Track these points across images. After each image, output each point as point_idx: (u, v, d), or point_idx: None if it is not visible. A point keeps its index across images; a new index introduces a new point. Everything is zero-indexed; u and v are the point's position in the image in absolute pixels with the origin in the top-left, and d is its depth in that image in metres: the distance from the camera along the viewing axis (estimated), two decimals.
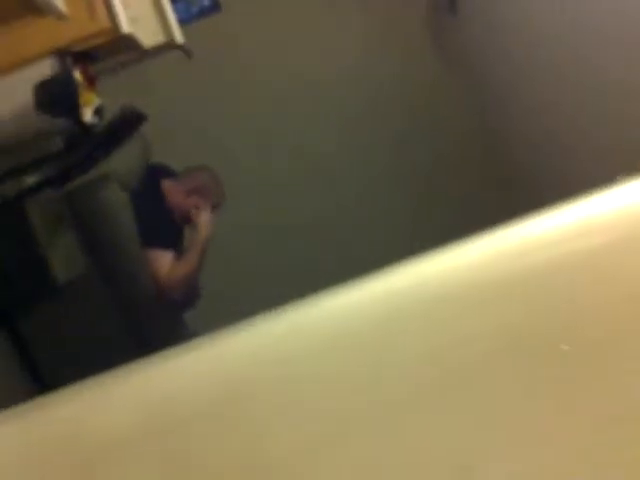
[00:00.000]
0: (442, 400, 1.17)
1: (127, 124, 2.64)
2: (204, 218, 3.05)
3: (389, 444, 1.16)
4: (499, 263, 1.26)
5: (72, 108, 2.64)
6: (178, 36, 3.13)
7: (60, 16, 2.46)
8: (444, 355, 1.19)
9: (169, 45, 3.18)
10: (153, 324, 2.91)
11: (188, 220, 3.09)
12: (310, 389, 1.21)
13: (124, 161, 2.86)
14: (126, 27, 2.84)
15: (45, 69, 2.69)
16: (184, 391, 1.25)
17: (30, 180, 2.62)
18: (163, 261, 2.90)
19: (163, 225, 3.00)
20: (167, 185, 3.09)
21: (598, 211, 1.28)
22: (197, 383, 1.26)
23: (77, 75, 2.70)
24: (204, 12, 3.32)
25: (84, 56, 2.84)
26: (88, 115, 2.72)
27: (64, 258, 2.62)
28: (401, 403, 1.18)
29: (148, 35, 3.07)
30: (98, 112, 2.78)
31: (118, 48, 3.00)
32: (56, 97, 2.62)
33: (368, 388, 1.20)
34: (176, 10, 3.20)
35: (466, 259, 1.31)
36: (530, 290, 1.21)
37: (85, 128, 2.70)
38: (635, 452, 1.12)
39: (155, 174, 3.13)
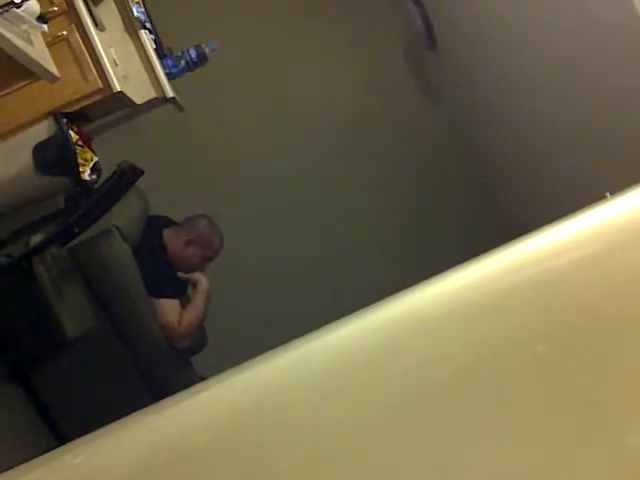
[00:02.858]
0: (433, 415, 1.21)
1: (125, 179, 2.70)
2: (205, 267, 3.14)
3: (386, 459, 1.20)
4: (483, 284, 1.31)
5: (71, 167, 2.71)
6: (168, 90, 3.21)
7: (53, 80, 2.52)
8: (435, 374, 1.24)
9: (160, 100, 3.25)
10: (165, 371, 2.95)
11: (189, 269, 3.15)
12: (309, 416, 1.26)
13: (124, 215, 2.92)
14: (117, 85, 2.92)
15: (42, 131, 2.76)
16: (195, 429, 1.29)
17: (36, 239, 2.67)
18: (171, 309, 2.95)
19: (167, 274, 3.06)
20: (167, 235, 3.15)
21: (572, 229, 1.35)
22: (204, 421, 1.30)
23: (73, 135, 2.77)
24: (192, 65, 3.39)
25: (78, 116, 2.91)
26: (87, 173, 2.79)
27: (73, 313, 2.66)
28: (393, 417, 1.23)
29: (139, 91, 3.15)
30: (96, 169, 2.84)
31: (111, 106, 3.07)
32: (55, 158, 2.69)
33: (364, 410, 1.24)
34: (165, 65, 3.29)
35: (450, 284, 1.36)
36: (508, 304, 1.26)
37: (85, 186, 2.76)
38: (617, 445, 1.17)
39: (155, 225, 3.19)
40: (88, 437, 1.45)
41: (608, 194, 1.43)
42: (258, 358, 1.43)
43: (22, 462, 1.56)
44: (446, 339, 1.24)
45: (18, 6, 2.16)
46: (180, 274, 3.10)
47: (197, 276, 3.11)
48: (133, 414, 1.48)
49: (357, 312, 1.41)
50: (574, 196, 1.47)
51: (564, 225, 1.36)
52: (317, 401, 1.25)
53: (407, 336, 1.27)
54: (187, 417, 1.32)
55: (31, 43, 2.33)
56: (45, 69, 2.41)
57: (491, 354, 1.22)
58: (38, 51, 2.38)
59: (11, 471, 1.46)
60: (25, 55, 2.24)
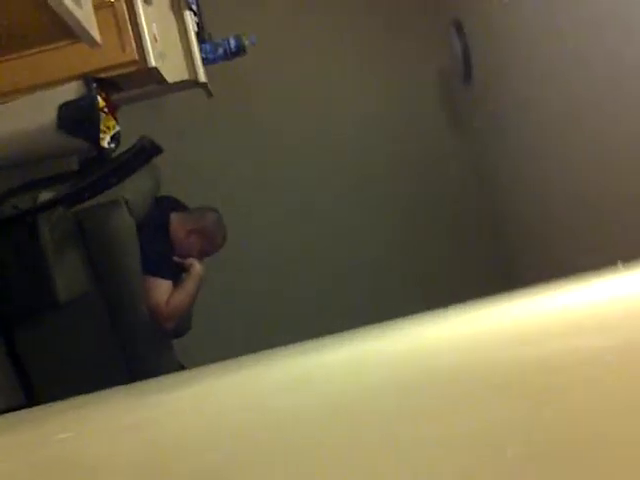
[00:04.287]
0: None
1: (143, 154, 2.71)
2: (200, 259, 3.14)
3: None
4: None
5: (92, 131, 2.72)
6: (202, 75, 3.22)
7: (94, 45, 2.53)
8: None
9: (192, 83, 3.26)
10: (146, 348, 2.96)
11: (185, 256, 3.16)
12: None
13: (135, 189, 2.93)
14: (153, 61, 2.92)
15: (71, 91, 2.76)
16: (178, 421, 1.28)
17: (44, 196, 2.68)
18: (161, 289, 2.96)
19: (165, 255, 3.06)
20: (174, 218, 3.16)
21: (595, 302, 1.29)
22: (190, 417, 1.29)
23: (100, 101, 2.78)
24: (230, 54, 3.40)
25: (109, 84, 2.92)
26: (106, 140, 2.79)
27: (68, 276, 2.67)
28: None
29: (173, 71, 3.15)
30: (115, 139, 2.85)
31: (143, 80, 3.08)
32: (79, 118, 2.70)
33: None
34: (203, 50, 3.30)
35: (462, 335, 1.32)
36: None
37: (102, 152, 2.77)
38: None
39: (165, 205, 3.20)
40: (69, 406, 1.44)
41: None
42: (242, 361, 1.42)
43: None
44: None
45: None
46: (175, 258, 3.11)
47: (191, 261, 3.12)
48: (115, 390, 1.48)
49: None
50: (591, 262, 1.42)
51: (574, 291, 1.34)
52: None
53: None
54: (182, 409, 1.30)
55: (80, 5, 2.34)
56: (88, 33, 2.42)
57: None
58: (85, 14, 2.38)
59: None
60: (72, 16, 2.24)
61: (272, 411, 1.23)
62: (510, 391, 1.19)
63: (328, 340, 1.43)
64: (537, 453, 1.16)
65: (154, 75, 3.02)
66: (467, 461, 1.16)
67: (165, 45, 3.12)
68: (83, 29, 2.37)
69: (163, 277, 2.98)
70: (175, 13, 3.24)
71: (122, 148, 2.80)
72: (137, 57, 2.91)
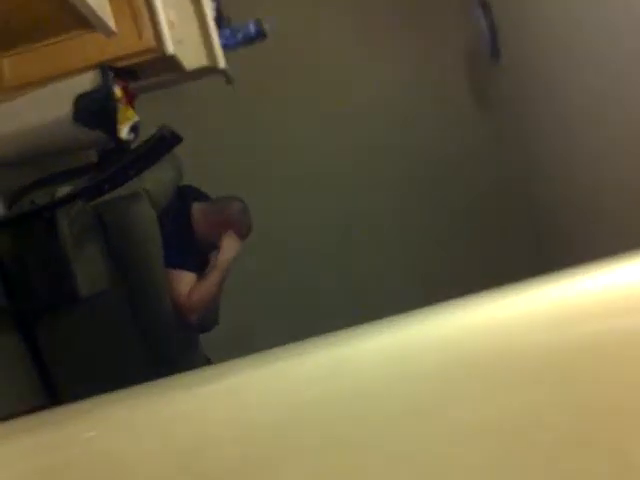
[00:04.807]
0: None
1: (163, 144, 2.65)
2: (228, 243, 3.05)
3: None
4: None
5: (110, 122, 2.67)
6: (221, 61, 3.16)
7: (109, 33, 2.48)
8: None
9: (211, 69, 3.20)
10: (170, 342, 2.91)
11: (210, 247, 3.10)
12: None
13: (156, 180, 2.88)
14: (171, 48, 2.86)
15: (87, 82, 2.71)
16: (208, 421, 1.25)
17: (63, 191, 2.63)
18: (184, 282, 2.91)
19: (188, 247, 3.01)
20: (196, 208, 3.10)
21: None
22: (220, 412, 1.26)
23: (117, 91, 2.73)
24: (249, 40, 3.34)
25: (126, 73, 2.87)
26: (125, 131, 2.74)
27: (89, 271, 2.63)
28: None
29: (191, 58, 3.09)
30: (134, 129, 2.80)
31: (160, 68, 3.02)
32: (95, 110, 2.65)
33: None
34: (222, 35, 3.23)
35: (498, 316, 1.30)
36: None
37: (120, 144, 2.72)
38: None
39: (187, 196, 3.15)
40: (95, 404, 1.41)
41: None
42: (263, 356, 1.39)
43: (16, 413, 1.53)
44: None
45: None
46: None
47: (224, 246, 3.06)
48: (140, 387, 1.45)
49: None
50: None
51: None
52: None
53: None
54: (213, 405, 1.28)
55: None
56: (103, 22, 2.38)
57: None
58: (99, 2, 2.34)
59: (8, 424, 1.42)
60: (86, 5, 2.20)
61: (306, 403, 1.23)
62: (546, 375, 1.18)
63: (357, 330, 1.41)
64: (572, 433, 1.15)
65: (172, 63, 2.96)
66: (502, 445, 1.16)
67: (183, 31, 3.06)
68: (98, 17, 2.33)
69: (186, 269, 2.93)
70: None
71: (141, 138, 2.75)
72: (154, 44, 2.85)
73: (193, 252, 3.03)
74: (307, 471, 1.19)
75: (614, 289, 1.26)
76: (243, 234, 3.15)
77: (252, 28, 3.34)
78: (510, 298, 1.35)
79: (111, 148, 2.76)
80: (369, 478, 1.18)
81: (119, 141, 2.71)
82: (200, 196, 3.23)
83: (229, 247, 3.05)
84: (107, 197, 2.68)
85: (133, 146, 2.76)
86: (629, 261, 1.31)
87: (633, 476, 1.12)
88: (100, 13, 2.34)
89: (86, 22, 2.35)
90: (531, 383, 1.19)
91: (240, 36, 3.33)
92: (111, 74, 2.72)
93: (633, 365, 1.18)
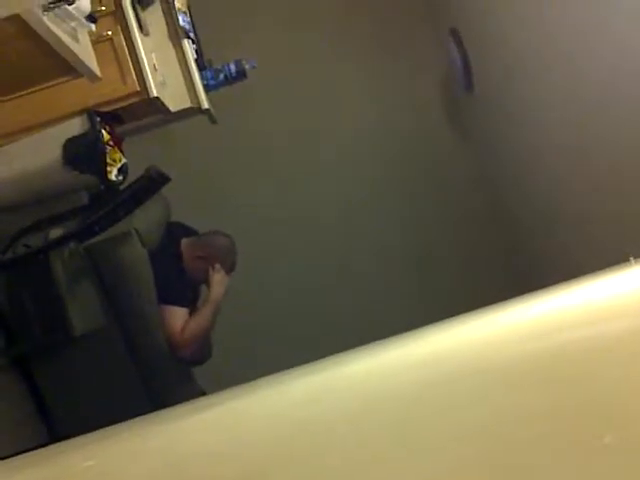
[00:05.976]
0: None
1: (151, 184, 2.71)
2: (217, 278, 3.11)
3: None
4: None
5: (99, 165, 2.74)
6: (204, 101, 3.23)
7: (94, 79, 2.55)
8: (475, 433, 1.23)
9: (195, 110, 3.27)
10: (165, 378, 2.95)
11: (199, 281, 3.16)
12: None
13: (146, 219, 2.93)
14: (155, 91, 2.94)
15: (75, 127, 2.78)
16: (201, 448, 1.29)
17: (55, 233, 2.69)
18: (176, 317, 2.96)
19: (179, 282, 3.06)
20: (184, 244, 3.16)
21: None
22: (216, 438, 1.30)
23: (105, 134, 2.79)
24: (231, 80, 3.42)
25: (112, 117, 2.94)
26: (114, 173, 2.80)
27: (83, 310, 2.67)
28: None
29: (175, 99, 3.17)
30: (123, 171, 2.86)
31: (145, 110, 3.10)
32: (84, 154, 2.71)
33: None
34: (204, 77, 3.31)
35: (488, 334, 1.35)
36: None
37: (110, 185, 2.78)
38: None
39: (176, 233, 3.20)
40: (93, 438, 1.45)
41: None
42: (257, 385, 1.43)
43: (16, 453, 1.57)
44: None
45: (70, 3, 2.18)
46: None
47: (215, 281, 3.12)
48: (137, 420, 1.49)
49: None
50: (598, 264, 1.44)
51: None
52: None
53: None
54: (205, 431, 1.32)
55: (77, 40, 2.36)
56: (88, 68, 2.44)
57: None
58: (83, 49, 2.40)
59: (12, 460, 1.46)
60: (70, 52, 2.26)
61: (296, 422, 1.27)
62: (531, 381, 1.24)
63: (343, 356, 1.45)
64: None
65: (157, 105, 3.04)
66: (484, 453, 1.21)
67: (166, 74, 3.14)
68: (82, 63, 2.39)
69: (178, 304, 2.98)
70: (173, 42, 3.26)
71: (130, 179, 2.81)
72: (138, 88, 2.94)
73: (184, 287, 3.09)
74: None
75: (585, 304, 1.33)
76: (228, 268, 3.21)
77: (233, 68, 3.42)
78: (487, 317, 1.40)
79: (101, 190, 2.82)
80: None
81: (109, 183, 2.77)
82: (188, 232, 3.29)
83: (218, 282, 3.10)
84: (99, 238, 2.74)
85: (122, 187, 2.82)
86: (599, 278, 1.38)
87: (609, 461, 1.18)
88: (84, 59, 2.40)
89: (72, 69, 2.41)
90: (515, 388, 1.24)
91: (222, 76, 3.40)
92: (98, 119, 2.79)
93: (605, 367, 1.23)
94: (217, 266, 3.12)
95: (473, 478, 1.22)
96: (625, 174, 2.55)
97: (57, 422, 2.75)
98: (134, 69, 2.94)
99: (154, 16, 3.22)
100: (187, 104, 3.24)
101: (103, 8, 2.84)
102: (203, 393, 3.11)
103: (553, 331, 1.29)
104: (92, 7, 2.44)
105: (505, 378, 1.25)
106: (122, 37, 2.94)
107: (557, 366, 1.24)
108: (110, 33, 2.90)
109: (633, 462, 1.18)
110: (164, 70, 3.13)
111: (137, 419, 1.49)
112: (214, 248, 3.20)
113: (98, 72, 2.58)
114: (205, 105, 3.24)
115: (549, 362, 1.25)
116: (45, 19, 2.06)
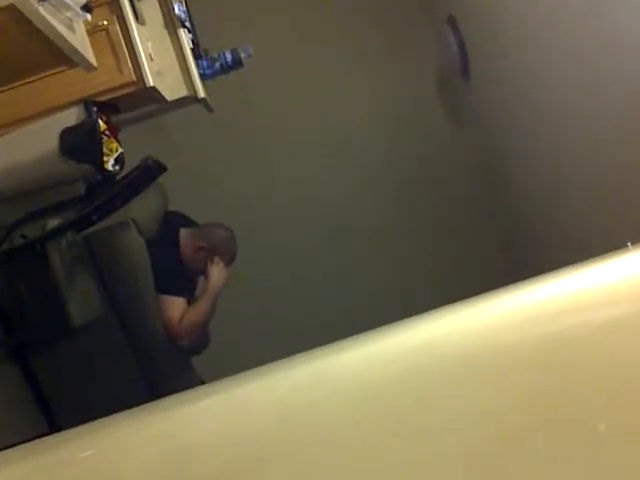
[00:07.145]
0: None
1: (148, 174, 2.71)
2: (215, 270, 3.12)
3: None
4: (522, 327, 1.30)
5: (96, 155, 2.73)
6: (200, 90, 3.23)
7: (90, 68, 2.54)
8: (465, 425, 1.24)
9: (191, 99, 3.27)
10: (164, 367, 2.96)
11: (197, 272, 3.17)
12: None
13: (143, 209, 2.93)
14: (151, 80, 2.94)
15: (71, 117, 2.78)
16: (201, 435, 1.29)
17: (52, 224, 2.69)
18: (175, 307, 2.96)
19: (177, 272, 3.07)
20: (183, 235, 3.16)
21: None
22: (214, 428, 1.30)
23: (101, 124, 2.79)
24: (227, 68, 3.41)
25: (108, 106, 2.93)
26: (110, 163, 2.80)
27: (81, 301, 2.68)
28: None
29: (171, 88, 3.17)
30: (119, 161, 2.86)
31: (141, 100, 3.09)
32: (81, 144, 2.71)
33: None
34: (200, 65, 3.31)
35: (485, 321, 1.35)
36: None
37: (107, 175, 2.78)
38: None
39: (174, 222, 3.20)
40: (92, 427, 1.45)
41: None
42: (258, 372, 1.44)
43: (16, 443, 1.57)
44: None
45: None
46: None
47: (213, 271, 3.12)
48: (136, 409, 1.49)
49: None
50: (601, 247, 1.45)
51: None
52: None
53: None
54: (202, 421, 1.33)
55: (73, 30, 2.34)
56: (84, 57, 2.42)
57: None
58: (79, 39, 2.39)
59: (8, 452, 1.46)
60: (66, 42, 2.25)
61: (293, 409, 1.28)
62: (526, 368, 1.24)
63: (339, 344, 1.45)
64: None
65: (153, 94, 3.03)
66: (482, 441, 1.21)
67: (162, 63, 3.14)
68: (78, 53, 2.37)
69: (176, 294, 2.98)
70: (169, 31, 3.25)
71: (127, 169, 2.81)
72: (135, 77, 2.93)
73: (182, 277, 3.09)
74: (295, 471, 1.23)
75: (582, 290, 1.33)
76: (228, 260, 3.21)
77: (229, 57, 3.42)
78: (485, 304, 1.40)
79: (98, 180, 2.82)
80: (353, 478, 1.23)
81: (105, 173, 2.77)
82: (187, 222, 3.29)
83: (216, 273, 3.11)
84: (96, 227, 2.74)
85: (119, 177, 2.82)
86: (596, 264, 1.38)
87: (604, 449, 1.19)
88: (80, 49, 2.38)
89: (68, 59, 2.40)
90: (510, 376, 1.24)
91: (218, 65, 3.40)
92: (94, 109, 2.79)
93: (602, 354, 1.24)
94: (216, 259, 3.13)
95: (469, 464, 1.22)
96: (626, 157, 2.54)
97: (56, 412, 2.76)
98: (130, 59, 2.93)
99: (150, 5, 3.22)
100: (183, 93, 3.24)
101: None
102: (202, 382, 3.12)
103: (550, 317, 1.30)
104: None
105: (500, 365, 1.25)
106: (118, 27, 2.93)
107: (553, 353, 1.25)
108: (106, 23, 2.89)
109: (628, 450, 1.19)
110: (160, 59, 3.12)
111: (136, 408, 1.49)
112: (214, 240, 3.20)
113: (94, 62, 2.56)
114: (201, 94, 3.24)
115: (545, 349, 1.25)
116: (40, 9, 2.05)
